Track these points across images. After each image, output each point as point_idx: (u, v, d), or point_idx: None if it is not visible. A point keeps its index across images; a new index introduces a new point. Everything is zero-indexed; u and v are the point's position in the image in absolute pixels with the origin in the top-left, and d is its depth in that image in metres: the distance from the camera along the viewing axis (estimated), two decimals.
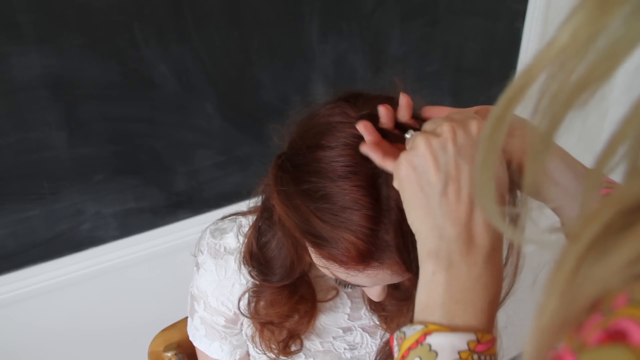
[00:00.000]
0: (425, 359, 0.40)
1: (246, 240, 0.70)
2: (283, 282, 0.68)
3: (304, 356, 0.77)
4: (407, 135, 0.50)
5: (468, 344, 0.40)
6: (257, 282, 0.71)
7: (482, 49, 1.39)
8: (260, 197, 0.68)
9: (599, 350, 0.23)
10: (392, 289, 0.68)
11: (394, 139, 0.52)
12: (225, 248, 0.75)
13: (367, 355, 0.81)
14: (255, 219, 0.70)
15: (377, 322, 0.78)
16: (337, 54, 1.17)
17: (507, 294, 0.54)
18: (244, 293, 0.73)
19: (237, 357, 0.81)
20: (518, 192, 0.49)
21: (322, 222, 0.53)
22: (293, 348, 0.75)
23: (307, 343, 0.77)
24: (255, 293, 0.72)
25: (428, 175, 0.44)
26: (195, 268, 0.77)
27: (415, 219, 0.45)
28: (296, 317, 0.73)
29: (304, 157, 0.56)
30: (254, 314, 0.72)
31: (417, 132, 0.48)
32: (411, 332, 0.42)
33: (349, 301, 0.78)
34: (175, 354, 0.93)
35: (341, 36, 1.15)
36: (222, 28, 1.02)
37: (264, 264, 0.68)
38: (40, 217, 1.03)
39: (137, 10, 0.93)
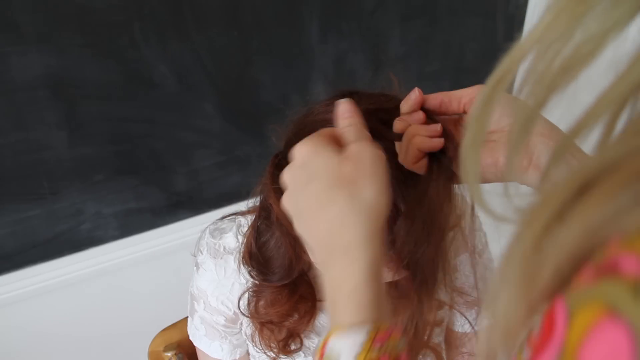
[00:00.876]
0: None
1: (245, 240, 0.70)
2: (282, 282, 0.68)
3: (303, 355, 0.77)
4: None
5: (367, 334, 0.39)
6: (256, 282, 0.71)
7: (482, 49, 1.39)
8: (258, 197, 0.68)
9: (588, 289, 0.22)
10: (389, 287, 0.68)
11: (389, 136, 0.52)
12: (224, 248, 0.75)
13: None
14: (253, 219, 0.70)
15: None
16: (337, 53, 1.17)
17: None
18: (244, 293, 0.73)
19: (237, 356, 0.81)
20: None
21: None
22: (293, 347, 0.75)
23: (306, 342, 0.76)
24: (255, 293, 0.72)
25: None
26: (195, 268, 0.77)
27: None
28: (296, 316, 0.73)
29: None
30: (254, 314, 0.72)
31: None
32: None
33: None
34: (175, 354, 0.93)
35: (341, 36, 1.16)
36: (222, 28, 1.02)
37: (263, 264, 0.68)
38: (40, 217, 1.03)
39: (137, 10, 0.93)
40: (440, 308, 0.75)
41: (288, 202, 0.47)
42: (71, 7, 0.88)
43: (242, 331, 0.79)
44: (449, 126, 0.54)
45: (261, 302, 0.71)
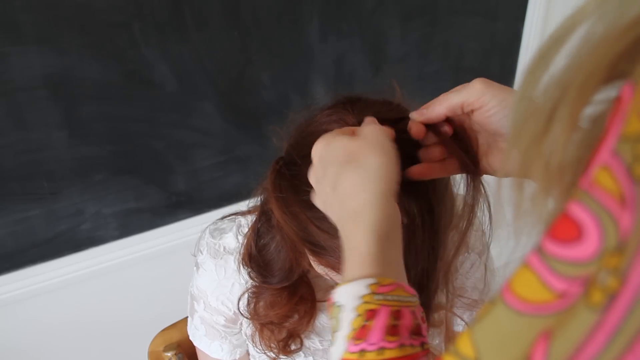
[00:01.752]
0: (335, 313, 0.42)
1: (245, 242, 0.70)
2: (282, 284, 0.68)
3: (303, 355, 0.77)
4: None
5: (368, 287, 0.41)
6: (256, 283, 0.71)
7: (482, 49, 1.39)
8: (259, 198, 0.68)
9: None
10: None
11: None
12: (224, 248, 0.75)
13: None
14: (254, 221, 0.70)
15: None
16: (337, 54, 1.17)
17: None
18: (243, 293, 0.73)
19: (237, 356, 0.81)
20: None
21: (320, 231, 0.54)
22: (293, 347, 0.75)
23: (306, 342, 0.77)
24: (255, 294, 0.72)
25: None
26: (195, 268, 0.77)
27: None
28: (296, 317, 0.73)
29: (304, 167, 0.55)
30: (254, 315, 0.72)
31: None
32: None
33: None
34: (175, 354, 0.93)
35: (341, 36, 1.15)
36: (222, 28, 1.02)
37: (263, 266, 0.68)
38: (40, 217, 1.03)
39: (137, 10, 0.93)
40: (438, 311, 0.75)
41: (317, 201, 0.50)
42: (71, 7, 0.88)
43: (242, 331, 0.79)
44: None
45: (261, 304, 0.71)
